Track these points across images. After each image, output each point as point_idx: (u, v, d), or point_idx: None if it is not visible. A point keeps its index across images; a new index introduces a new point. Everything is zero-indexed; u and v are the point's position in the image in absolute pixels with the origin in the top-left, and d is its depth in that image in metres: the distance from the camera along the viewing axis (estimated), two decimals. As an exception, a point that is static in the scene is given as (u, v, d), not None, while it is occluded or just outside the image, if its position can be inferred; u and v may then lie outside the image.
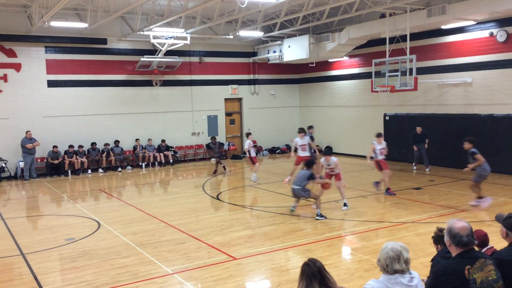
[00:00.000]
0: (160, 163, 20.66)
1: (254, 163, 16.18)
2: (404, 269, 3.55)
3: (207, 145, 18.05)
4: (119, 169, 19.77)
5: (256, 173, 16.31)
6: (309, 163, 11.35)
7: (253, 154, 16.22)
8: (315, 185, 12.30)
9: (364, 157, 18.47)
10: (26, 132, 17.83)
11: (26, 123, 18.24)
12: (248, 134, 16.85)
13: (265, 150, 24.00)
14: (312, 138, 15.54)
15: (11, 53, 18.24)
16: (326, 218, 10.66)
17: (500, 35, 15.76)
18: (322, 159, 12.11)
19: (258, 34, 20.48)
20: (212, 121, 22.90)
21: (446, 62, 17.64)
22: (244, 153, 18.28)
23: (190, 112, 22.21)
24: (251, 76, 23.84)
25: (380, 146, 13.32)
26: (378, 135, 13.51)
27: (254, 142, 16.96)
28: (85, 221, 11.20)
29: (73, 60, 19.47)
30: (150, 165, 20.52)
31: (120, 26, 19.96)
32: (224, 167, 18.22)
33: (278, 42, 22.22)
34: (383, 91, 16.53)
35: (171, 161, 20.94)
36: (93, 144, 19.43)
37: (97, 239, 9.65)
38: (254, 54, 23.81)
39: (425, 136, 17.06)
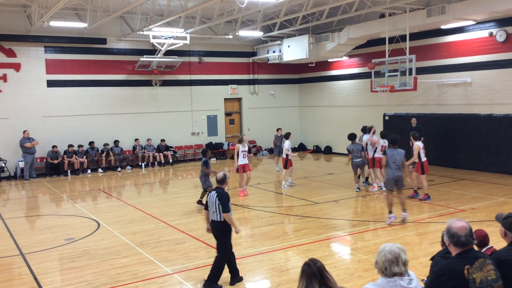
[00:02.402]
0: (159, 163, 20.65)
1: (288, 166, 14.58)
2: (402, 272, 3.53)
3: (205, 162, 11.87)
4: (119, 169, 19.76)
5: (291, 178, 15.09)
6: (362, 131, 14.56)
7: (290, 156, 14.58)
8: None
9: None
10: (24, 131, 17.83)
11: (25, 123, 18.24)
12: (288, 135, 15.18)
13: (265, 150, 24.00)
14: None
15: (10, 53, 18.23)
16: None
17: (500, 35, 15.77)
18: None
19: (258, 34, 20.47)
20: (211, 121, 22.90)
21: (445, 62, 17.64)
22: (280, 153, 16.43)
23: (190, 112, 22.21)
24: (250, 76, 23.84)
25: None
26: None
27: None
28: (84, 221, 11.20)
29: (73, 60, 19.46)
30: (149, 165, 20.52)
31: (120, 26, 19.96)
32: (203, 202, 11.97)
33: (278, 42, 22.22)
34: (383, 91, 16.53)
35: (170, 161, 20.93)
36: (91, 143, 19.41)
37: (96, 239, 9.65)
38: (253, 54, 23.81)
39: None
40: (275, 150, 18.44)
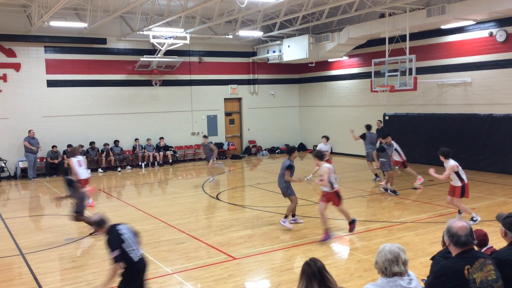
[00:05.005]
0: (159, 163, 20.65)
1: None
2: (402, 271, 3.53)
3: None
4: (119, 169, 19.76)
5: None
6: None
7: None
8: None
9: (363, 156, 18.50)
10: (29, 131, 17.83)
11: (25, 123, 18.23)
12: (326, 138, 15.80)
13: (265, 150, 24.00)
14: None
15: (10, 53, 18.23)
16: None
17: (500, 35, 15.77)
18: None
19: (258, 34, 20.46)
20: (211, 121, 22.90)
21: (445, 62, 17.64)
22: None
23: (190, 112, 22.21)
24: (250, 76, 23.84)
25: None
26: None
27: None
28: (84, 221, 11.18)
29: (73, 60, 19.45)
30: (149, 165, 20.52)
31: (120, 26, 19.95)
32: None
33: (278, 42, 22.22)
34: (383, 91, 16.53)
35: (170, 161, 20.93)
36: (92, 143, 19.41)
37: (96, 239, 9.63)
38: (253, 54, 23.80)
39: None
40: (208, 158, 16.59)
